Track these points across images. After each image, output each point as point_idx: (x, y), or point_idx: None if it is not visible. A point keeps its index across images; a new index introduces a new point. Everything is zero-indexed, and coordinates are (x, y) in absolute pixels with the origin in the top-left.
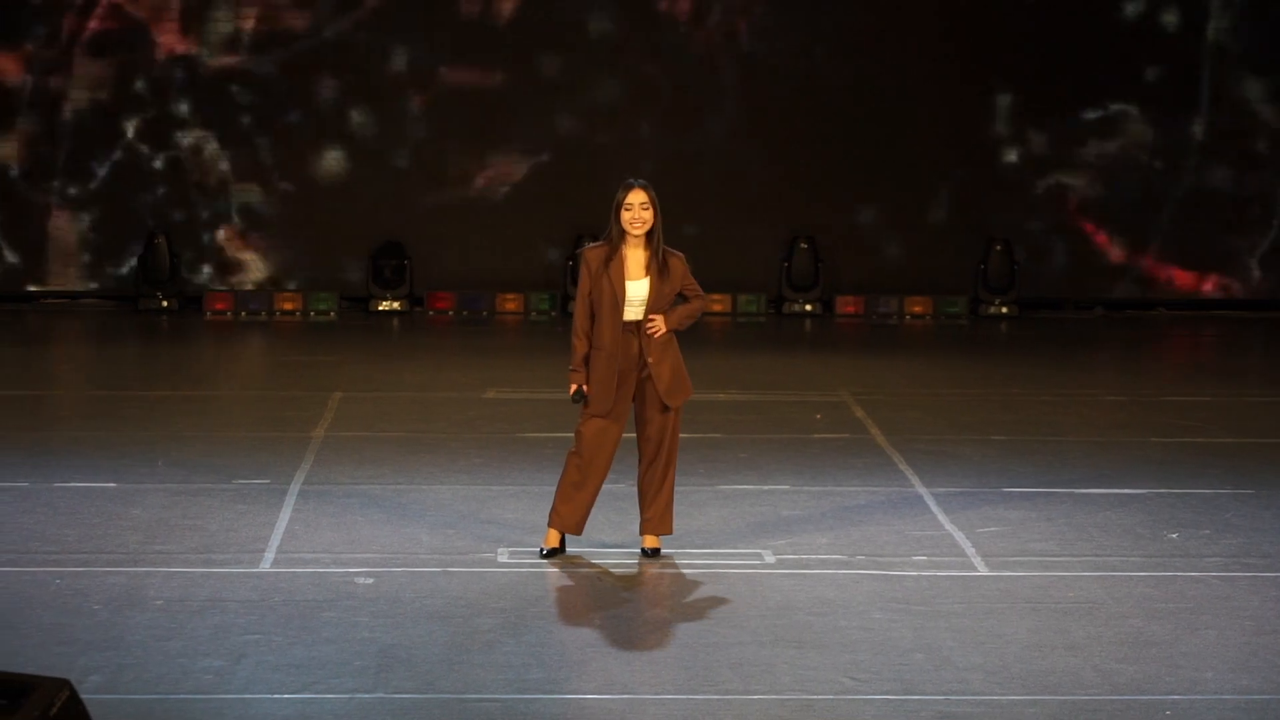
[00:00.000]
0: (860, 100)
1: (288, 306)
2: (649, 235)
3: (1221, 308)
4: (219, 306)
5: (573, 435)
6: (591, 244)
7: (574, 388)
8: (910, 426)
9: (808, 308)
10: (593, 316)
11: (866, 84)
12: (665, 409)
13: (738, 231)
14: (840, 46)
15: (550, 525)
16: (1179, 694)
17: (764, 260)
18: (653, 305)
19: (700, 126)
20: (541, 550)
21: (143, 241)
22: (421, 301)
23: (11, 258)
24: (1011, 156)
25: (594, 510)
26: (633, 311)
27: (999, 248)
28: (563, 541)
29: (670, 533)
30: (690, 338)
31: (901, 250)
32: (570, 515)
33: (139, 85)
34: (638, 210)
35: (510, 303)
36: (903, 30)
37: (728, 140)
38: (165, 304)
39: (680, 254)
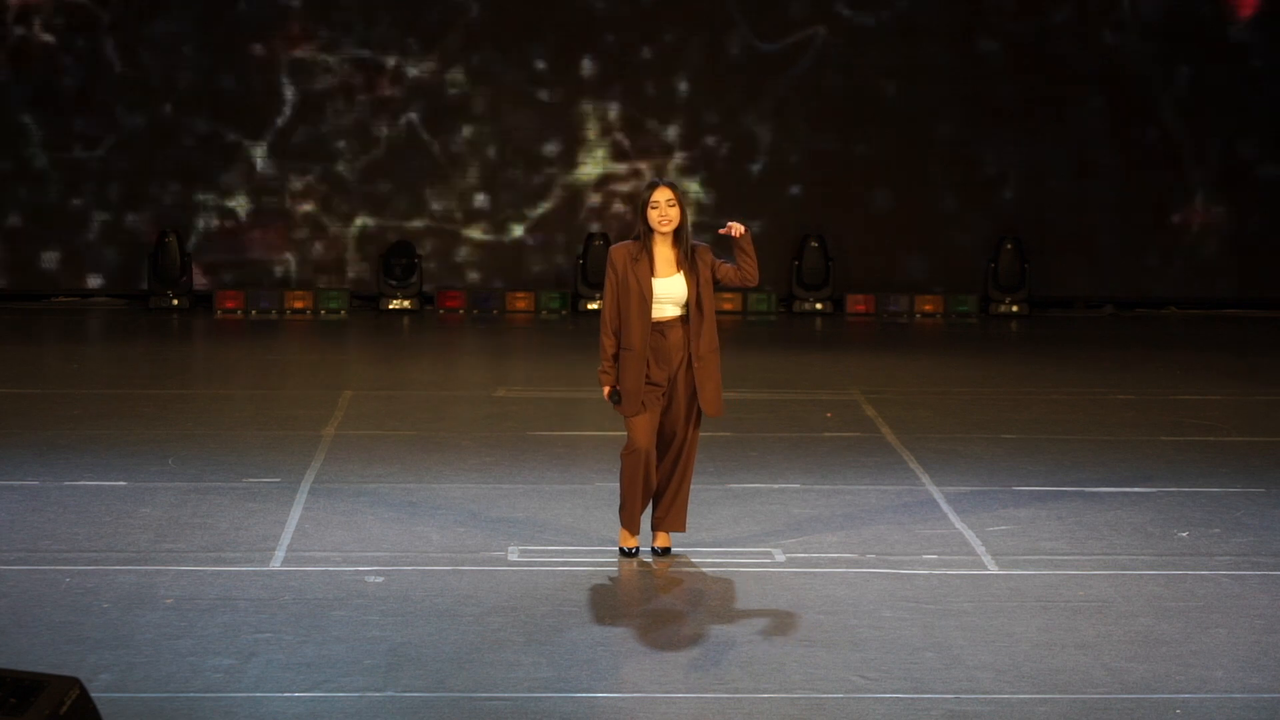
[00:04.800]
0: (871, 97)
1: (298, 305)
2: (676, 233)
3: (1232, 306)
4: (229, 305)
5: (579, 434)
6: (618, 242)
7: (607, 389)
8: (921, 425)
9: (818, 306)
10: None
11: (878, 81)
12: (687, 413)
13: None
14: (852, 45)
15: (625, 526)
16: (1189, 692)
17: (774, 259)
18: (693, 300)
19: (711, 125)
20: (626, 550)
21: (154, 240)
22: (432, 300)
23: (25, 257)
24: (1023, 155)
25: (605, 509)
26: (661, 310)
27: (1009, 246)
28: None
29: (683, 530)
30: None
31: (912, 249)
32: (639, 512)
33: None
34: (664, 208)
35: (521, 301)
36: (918, 27)
37: (739, 139)
38: (176, 302)
39: (705, 245)
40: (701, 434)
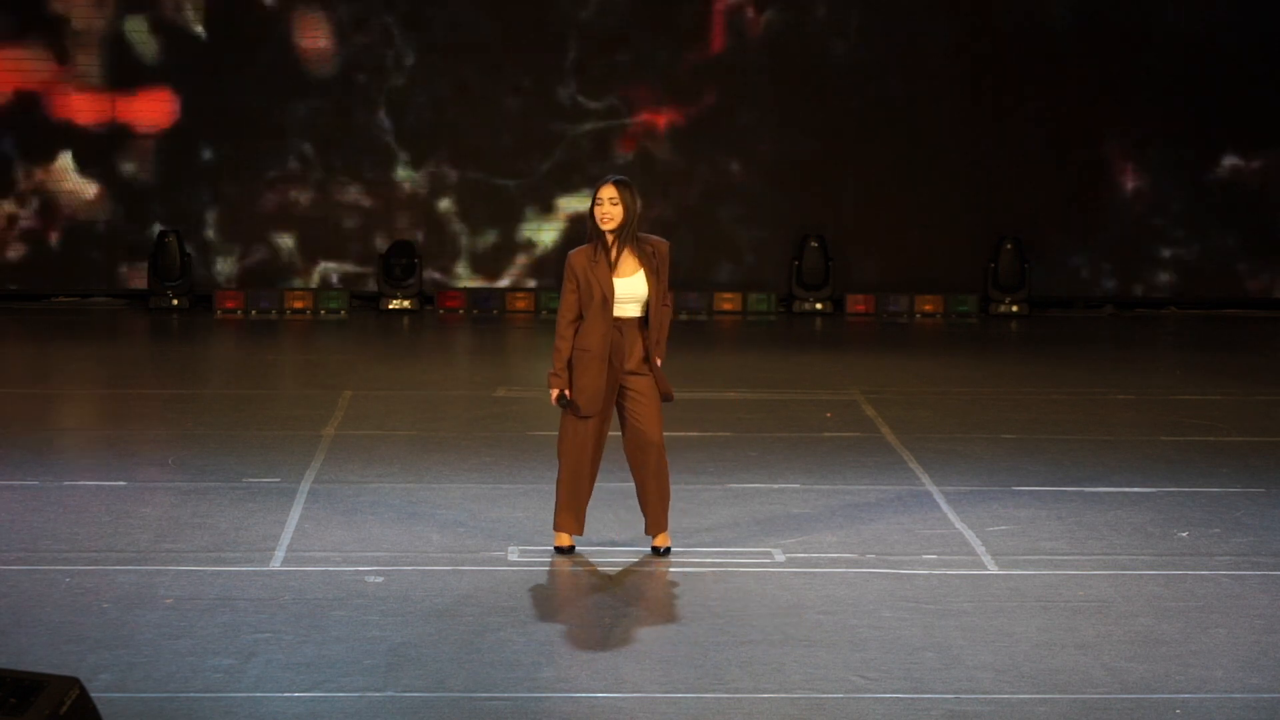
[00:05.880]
0: (871, 98)
1: (298, 305)
2: (625, 231)
3: (1231, 306)
4: (229, 305)
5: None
6: (576, 247)
7: (556, 392)
8: (920, 425)
9: (818, 306)
10: (578, 319)
11: (878, 81)
12: (653, 411)
13: (748, 230)
14: (853, 43)
15: (556, 529)
16: (1189, 692)
17: (774, 259)
18: (654, 298)
19: (712, 124)
20: (562, 549)
21: (154, 240)
22: (432, 300)
23: (24, 257)
24: (1024, 154)
25: (604, 509)
26: (621, 309)
27: (1009, 246)
28: (572, 539)
29: (666, 529)
30: (700, 337)
31: (912, 249)
32: (574, 516)
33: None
34: (606, 205)
35: (520, 301)
36: (916, 28)
37: (739, 138)
38: (176, 302)
39: (666, 241)
40: (700, 434)
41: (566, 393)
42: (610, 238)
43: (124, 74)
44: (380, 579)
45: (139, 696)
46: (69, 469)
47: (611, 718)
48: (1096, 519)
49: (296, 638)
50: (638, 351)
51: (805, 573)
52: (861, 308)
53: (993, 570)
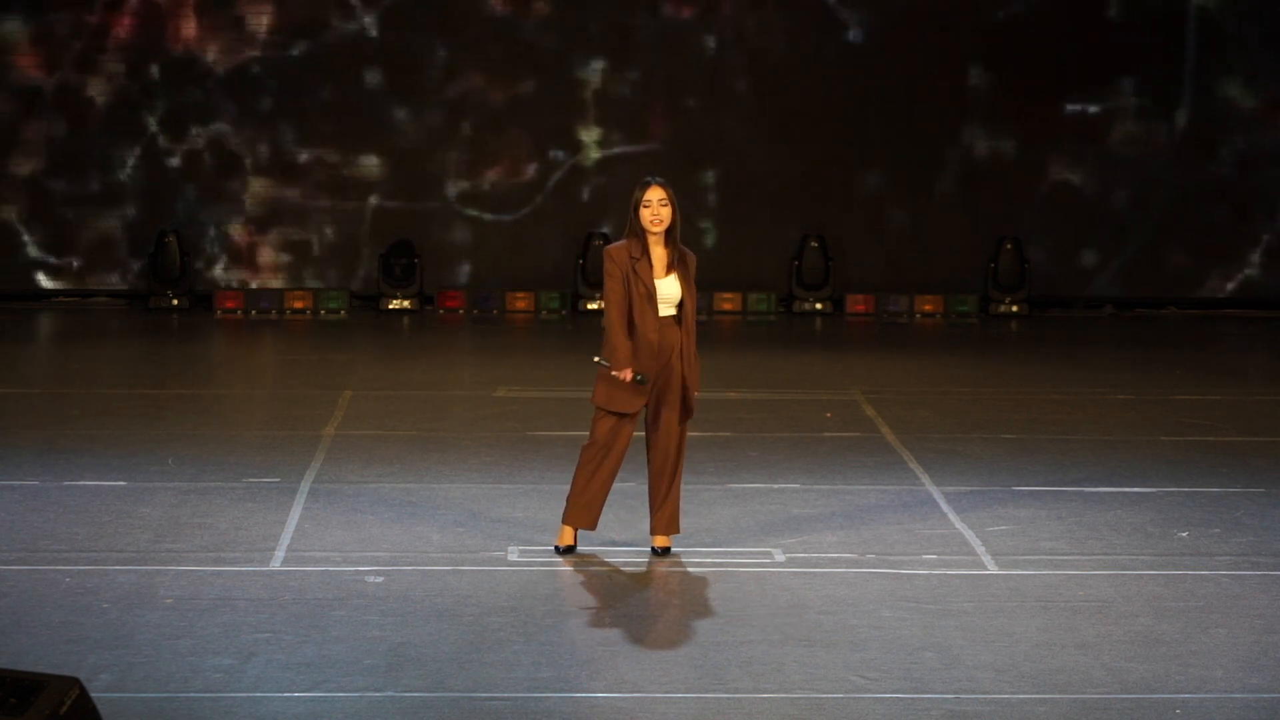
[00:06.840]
0: (871, 99)
1: (298, 305)
2: (668, 233)
3: (1231, 306)
4: (230, 305)
5: (579, 434)
6: (613, 243)
7: (630, 372)
8: (920, 425)
9: (818, 306)
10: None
11: (877, 82)
12: (679, 412)
13: (748, 230)
14: (852, 44)
15: (564, 522)
16: (1189, 692)
17: (774, 259)
18: (686, 300)
19: (712, 125)
20: (556, 548)
21: (154, 240)
22: (432, 300)
23: (26, 255)
24: (1020, 154)
25: (604, 509)
26: (659, 309)
27: (1009, 246)
28: (575, 538)
29: (679, 532)
30: (700, 337)
31: (912, 249)
32: (585, 511)
33: (153, 81)
34: (656, 207)
35: (521, 301)
36: (913, 29)
37: (739, 139)
38: (176, 302)
39: (693, 254)
40: (701, 434)
41: (640, 376)
42: (656, 239)
43: None
44: (380, 579)
45: (139, 696)
46: (69, 469)
47: (611, 718)
48: (1096, 519)
49: (296, 638)
50: (674, 352)
51: (805, 573)
52: (861, 308)
53: (993, 570)
